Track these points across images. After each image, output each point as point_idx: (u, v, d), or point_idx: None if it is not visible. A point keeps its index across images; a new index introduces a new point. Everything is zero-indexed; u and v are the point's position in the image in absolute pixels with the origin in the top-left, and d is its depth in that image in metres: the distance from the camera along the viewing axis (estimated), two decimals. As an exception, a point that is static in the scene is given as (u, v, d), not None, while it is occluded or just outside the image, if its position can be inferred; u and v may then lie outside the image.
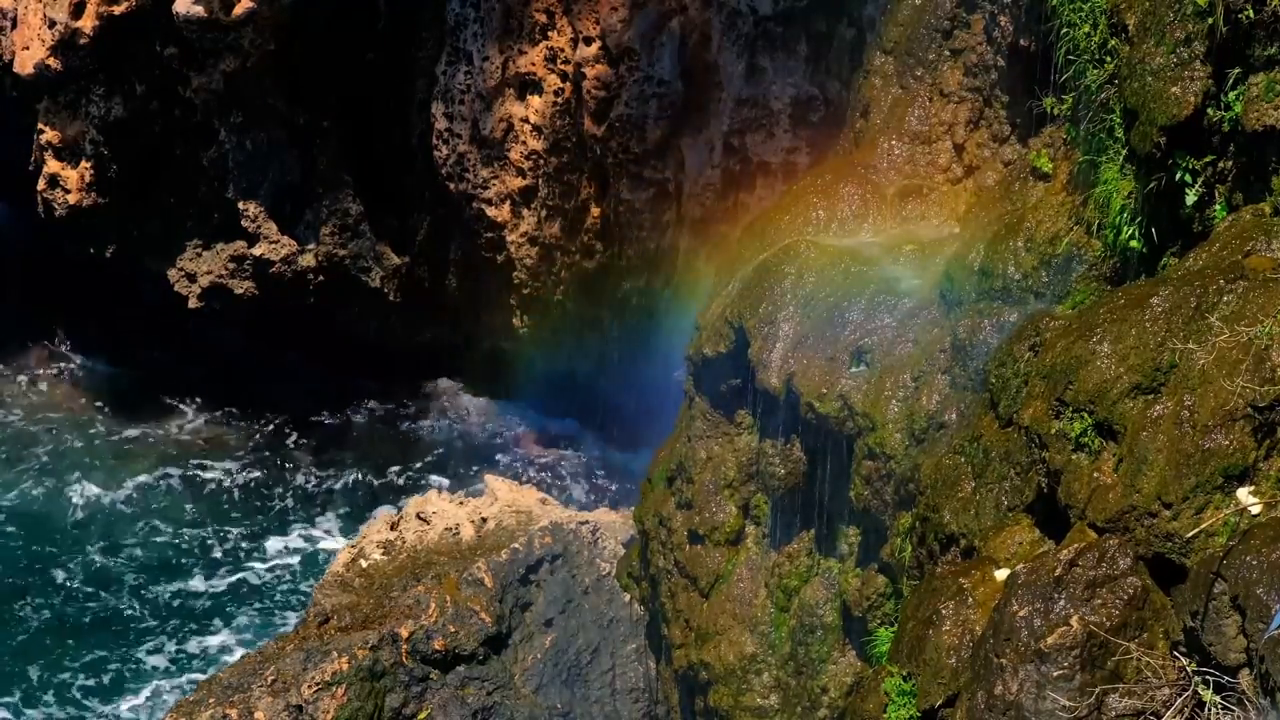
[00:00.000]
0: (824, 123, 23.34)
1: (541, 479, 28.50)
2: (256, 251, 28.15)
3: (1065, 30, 15.55)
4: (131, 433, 29.63)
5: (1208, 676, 10.99)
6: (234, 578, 26.60)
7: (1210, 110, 13.34)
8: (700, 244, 24.92)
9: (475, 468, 29.09)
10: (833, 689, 17.94)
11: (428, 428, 30.06)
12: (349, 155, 27.86)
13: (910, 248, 18.12)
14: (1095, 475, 12.34)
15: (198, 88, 26.87)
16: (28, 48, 26.96)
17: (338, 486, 28.80)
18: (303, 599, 25.33)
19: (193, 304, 28.81)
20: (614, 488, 28.15)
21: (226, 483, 28.75)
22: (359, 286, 28.62)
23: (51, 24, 26.57)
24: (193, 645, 25.23)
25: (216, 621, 25.74)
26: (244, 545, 27.33)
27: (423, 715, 19.83)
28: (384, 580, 21.08)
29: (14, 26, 27.37)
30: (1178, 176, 13.54)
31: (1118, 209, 14.53)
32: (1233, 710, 10.77)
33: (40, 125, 27.80)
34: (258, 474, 28.96)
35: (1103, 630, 11.51)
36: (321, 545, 27.33)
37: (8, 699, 23.91)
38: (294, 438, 29.89)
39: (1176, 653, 11.42)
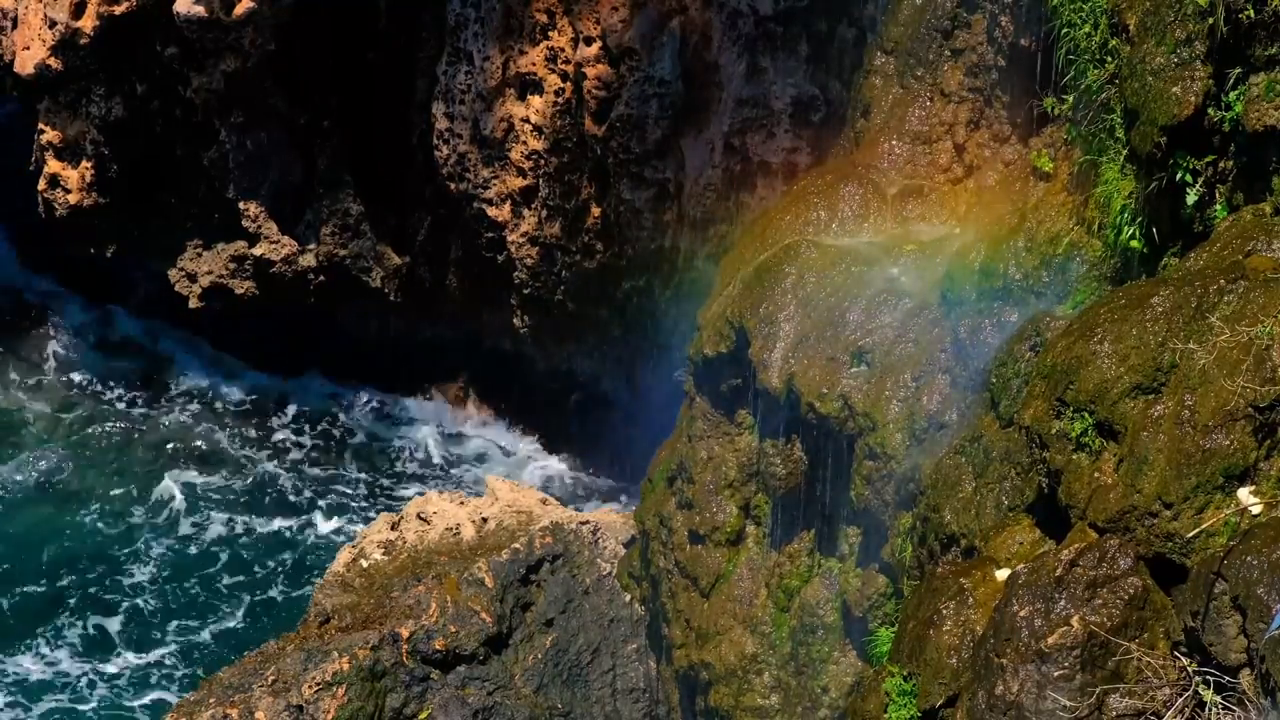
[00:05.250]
0: (825, 123, 23.34)
1: (542, 479, 28.51)
2: (257, 251, 28.16)
3: (1066, 30, 15.56)
4: (132, 416, 29.81)
5: (1208, 676, 10.99)
6: (232, 577, 26.62)
7: (1211, 110, 13.35)
8: (701, 244, 24.92)
9: (476, 467, 29.10)
10: (833, 689, 17.95)
11: (428, 427, 30.08)
12: (349, 155, 27.86)
13: (911, 248, 18.14)
14: (1096, 475, 12.34)
15: (198, 88, 26.87)
16: (28, 48, 26.95)
17: (337, 486, 28.81)
18: (301, 598, 25.33)
19: (193, 304, 28.82)
20: (614, 488, 28.16)
21: (223, 480, 28.76)
22: (360, 286, 28.63)
23: (52, 24, 26.58)
24: (189, 639, 25.26)
25: (214, 618, 25.76)
26: (241, 543, 27.34)
27: (423, 715, 19.83)
28: (384, 580, 21.09)
29: (14, 26, 27.37)
30: (1178, 176, 13.54)
31: (1118, 209, 14.53)
32: (1233, 710, 10.77)
33: (41, 125, 27.81)
34: (253, 472, 28.97)
35: (1103, 630, 11.52)
36: (320, 545, 27.34)
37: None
38: (292, 436, 29.89)
39: (1177, 653, 11.43)
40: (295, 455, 29.46)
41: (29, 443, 29.29)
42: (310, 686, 19.24)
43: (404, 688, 19.77)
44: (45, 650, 25.00)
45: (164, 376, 30.72)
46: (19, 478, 28.45)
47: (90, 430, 29.67)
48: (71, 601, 25.94)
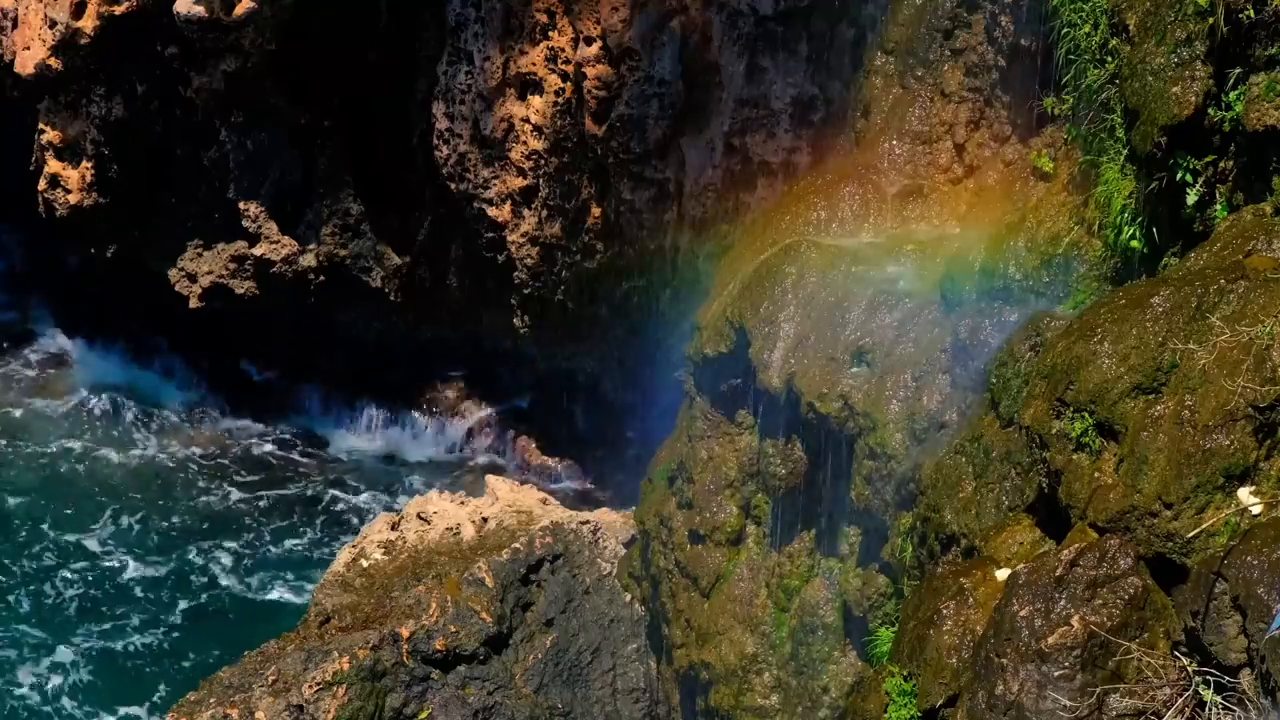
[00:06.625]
0: (825, 123, 23.34)
1: (542, 478, 28.50)
2: (257, 252, 28.16)
3: (1066, 30, 15.56)
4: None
5: (1208, 676, 10.98)
6: (231, 579, 26.62)
7: (1211, 110, 13.35)
8: (701, 244, 24.93)
9: (476, 468, 29.10)
10: (834, 689, 17.95)
11: (427, 426, 30.07)
12: (350, 155, 27.86)
13: (911, 248, 18.14)
14: (1096, 475, 12.34)
15: (199, 88, 26.88)
16: (28, 48, 26.96)
17: (337, 485, 28.81)
18: (302, 599, 25.33)
19: (193, 304, 28.83)
20: (614, 487, 28.15)
21: (220, 483, 28.77)
22: (360, 287, 28.63)
23: (52, 24, 26.58)
24: (192, 640, 25.28)
25: (213, 620, 25.77)
26: (242, 545, 27.34)
27: (423, 715, 19.83)
28: (385, 580, 21.09)
29: (15, 26, 27.37)
30: (1179, 176, 13.54)
31: (1119, 209, 14.53)
32: (1233, 710, 10.76)
33: (41, 125, 27.81)
34: (253, 474, 28.97)
35: (1104, 630, 11.51)
36: (320, 545, 27.33)
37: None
38: (291, 436, 29.90)
39: (1177, 652, 11.42)
40: (291, 454, 29.46)
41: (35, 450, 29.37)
42: (310, 686, 19.24)
43: (404, 688, 19.77)
44: (45, 655, 25.02)
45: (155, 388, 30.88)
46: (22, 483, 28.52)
47: (82, 440, 29.74)
48: (74, 604, 25.96)
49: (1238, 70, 13.16)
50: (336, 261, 28.30)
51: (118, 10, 26.39)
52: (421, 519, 22.11)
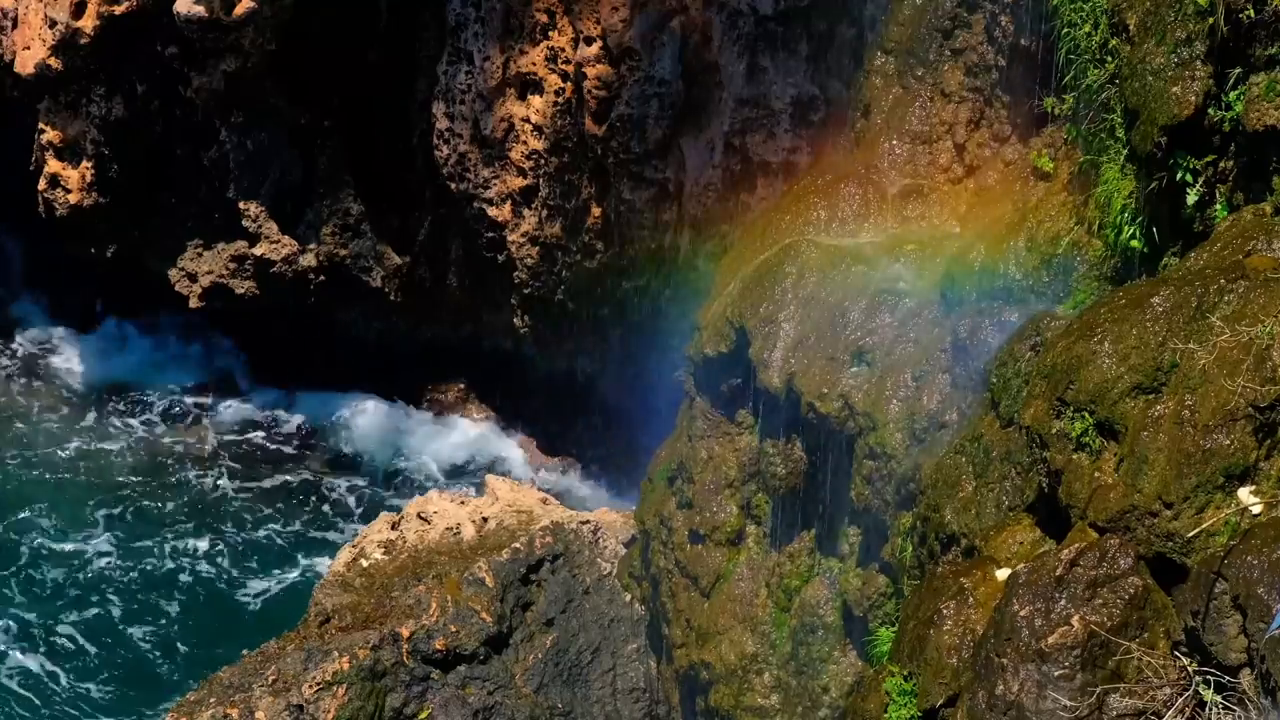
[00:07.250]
0: (825, 122, 23.35)
1: (542, 478, 28.50)
2: (257, 251, 28.16)
3: (1066, 30, 15.57)
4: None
5: (1209, 676, 10.99)
6: (232, 579, 26.61)
7: (1211, 110, 13.34)
8: (701, 244, 24.94)
9: (476, 467, 29.10)
10: (834, 689, 17.95)
11: (427, 426, 30.07)
12: (350, 155, 27.87)
13: (911, 247, 18.14)
14: (1096, 475, 12.34)
15: (199, 88, 26.88)
16: (28, 47, 26.96)
17: (337, 484, 28.79)
18: (301, 598, 25.31)
19: (194, 304, 28.83)
20: (614, 487, 28.15)
21: (217, 480, 28.76)
22: (360, 286, 28.63)
23: (52, 24, 26.59)
24: (190, 638, 25.28)
25: (212, 619, 25.75)
26: (241, 546, 27.33)
27: (423, 715, 19.83)
28: (385, 580, 21.09)
29: (15, 26, 27.38)
30: (1179, 176, 13.54)
31: (1119, 209, 14.53)
32: (1233, 710, 10.76)
33: (41, 125, 27.82)
34: (252, 471, 28.96)
35: (1104, 630, 11.51)
36: (320, 544, 27.33)
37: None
38: (292, 434, 29.89)
39: (1177, 652, 11.42)
40: (292, 454, 29.46)
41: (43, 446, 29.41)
42: (310, 686, 19.24)
43: (404, 687, 19.77)
44: (40, 652, 25.02)
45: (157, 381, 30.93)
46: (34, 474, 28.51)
47: (77, 434, 29.74)
48: (70, 600, 25.96)
49: (1238, 70, 13.16)
50: (336, 261, 28.30)
51: (118, 10, 26.39)
52: (421, 519, 22.12)
